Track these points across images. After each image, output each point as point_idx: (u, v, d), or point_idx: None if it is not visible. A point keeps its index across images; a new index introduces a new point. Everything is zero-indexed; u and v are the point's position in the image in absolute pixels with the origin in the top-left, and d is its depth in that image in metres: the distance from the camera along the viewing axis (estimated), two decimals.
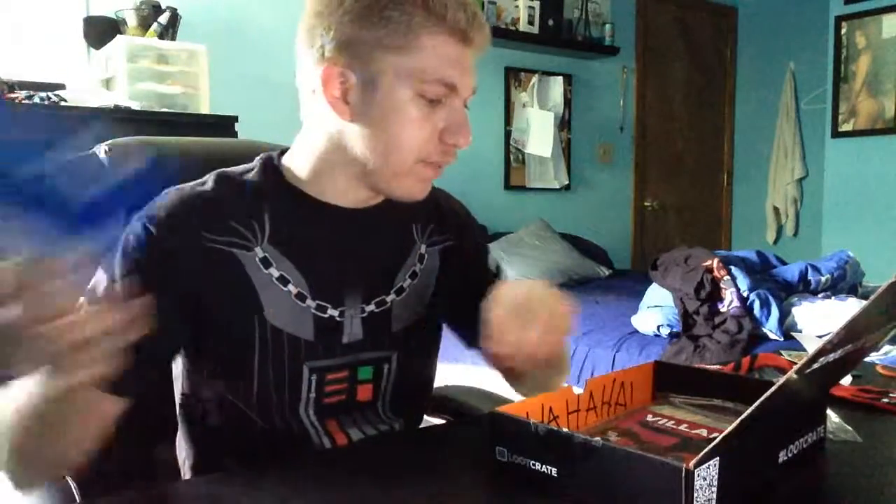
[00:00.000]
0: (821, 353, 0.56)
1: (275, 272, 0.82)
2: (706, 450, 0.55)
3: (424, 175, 0.84)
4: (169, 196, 0.83)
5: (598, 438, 0.61)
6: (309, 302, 0.83)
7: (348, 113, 0.81)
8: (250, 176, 0.87)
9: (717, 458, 0.57)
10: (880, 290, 0.54)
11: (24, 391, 0.68)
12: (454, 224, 0.99)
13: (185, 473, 0.90)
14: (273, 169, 0.88)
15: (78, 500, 0.84)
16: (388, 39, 0.78)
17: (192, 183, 0.85)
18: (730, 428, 0.56)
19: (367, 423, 0.88)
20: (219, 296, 0.81)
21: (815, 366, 0.58)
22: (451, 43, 0.80)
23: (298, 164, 0.87)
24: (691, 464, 0.55)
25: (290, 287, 0.83)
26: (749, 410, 0.55)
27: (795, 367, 0.55)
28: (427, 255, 0.94)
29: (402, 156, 0.81)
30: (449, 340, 1.00)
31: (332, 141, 0.83)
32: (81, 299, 0.74)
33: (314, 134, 0.85)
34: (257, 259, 0.82)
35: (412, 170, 0.82)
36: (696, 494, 0.55)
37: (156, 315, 0.74)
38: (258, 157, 0.90)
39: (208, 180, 0.86)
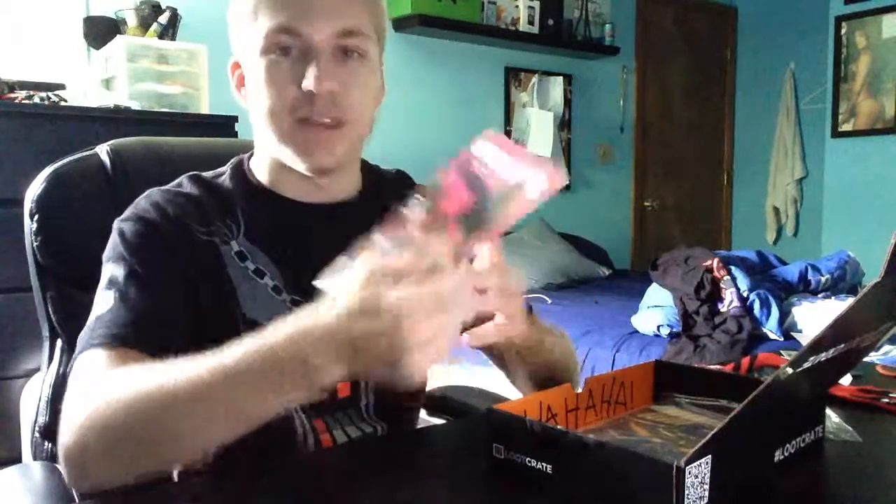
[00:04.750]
0: (813, 349, 0.56)
1: (251, 265, 0.83)
2: (697, 447, 0.55)
3: (309, 135, 0.80)
4: (151, 194, 0.84)
5: (590, 436, 0.61)
6: (284, 296, 0.83)
7: (244, 99, 0.85)
8: (222, 179, 0.89)
9: (709, 456, 0.57)
10: (866, 290, 0.55)
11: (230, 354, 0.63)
12: None
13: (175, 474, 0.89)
14: (241, 171, 0.89)
15: (77, 500, 0.84)
16: (239, 14, 0.81)
17: (167, 185, 0.87)
18: (721, 424, 0.56)
19: (351, 425, 0.86)
20: (204, 287, 0.81)
21: (809, 364, 0.58)
22: None
23: (258, 164, 0.89)
24: (682, 461, 0.55)
25: (267, 280, 0.84)
26: (741, 406, 0.55)
27: (788, 363, 0.55)
28: None
29: (273, 117, 0.80)
30: None
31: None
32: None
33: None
34: (233, 252, 0.83)
35: (294, 130, 0.80)
36: (687, 492, 0.55)
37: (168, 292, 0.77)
38: (230, 162, 0.91)
39: (183, 181, 0.87)
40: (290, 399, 0.63)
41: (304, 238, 0.86)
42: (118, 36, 2.48)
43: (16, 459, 0.99)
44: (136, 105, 2.35)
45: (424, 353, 0.58)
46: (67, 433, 0.65)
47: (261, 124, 0.83)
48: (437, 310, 0.58)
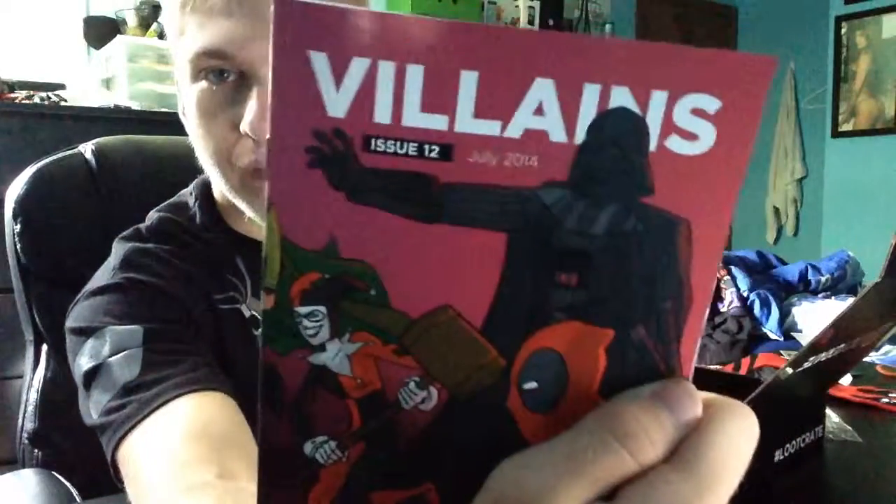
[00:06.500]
0: (813, 349, 0.56)
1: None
2: None
3: (260, 190, 0.62)
4: (148, 251, 0.68)
5: None
6: None
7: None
8: (199, 221, 0.73)
9: None
10: (866, 290, 0.55)
11: None
12: None
13: None
14: (216, 212, 0.74)
15: (78, 501, 0.84)
16: (167, 25, 0.64)
17: (148, 230, 0.71)
18: None
19: None
20: (235, 366, 0.66)
21: (809, 364, 0.58)
22: None
23: (218, 199, 0.76)
24: None
25: None
26: None
27: (788, 362, 0.55)
28: None
29: (214, 162, 0.64)
30: None
31: None
32: None
33: None
34: (246, 318, 0.69)
35: (242, 183, 0.63)
36: None
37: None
38: (192, 192, 0.76)
39: (164, 225, 0.71)
40: None
41: None
42: (118, 36, 2.48)
43: (16, 459, 0.98)
44: (136, 105, 2.35)
45: None
46: None
47: (206, 167, 0.67)
48: None
